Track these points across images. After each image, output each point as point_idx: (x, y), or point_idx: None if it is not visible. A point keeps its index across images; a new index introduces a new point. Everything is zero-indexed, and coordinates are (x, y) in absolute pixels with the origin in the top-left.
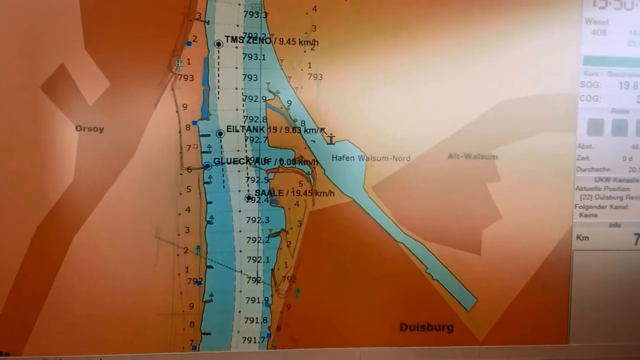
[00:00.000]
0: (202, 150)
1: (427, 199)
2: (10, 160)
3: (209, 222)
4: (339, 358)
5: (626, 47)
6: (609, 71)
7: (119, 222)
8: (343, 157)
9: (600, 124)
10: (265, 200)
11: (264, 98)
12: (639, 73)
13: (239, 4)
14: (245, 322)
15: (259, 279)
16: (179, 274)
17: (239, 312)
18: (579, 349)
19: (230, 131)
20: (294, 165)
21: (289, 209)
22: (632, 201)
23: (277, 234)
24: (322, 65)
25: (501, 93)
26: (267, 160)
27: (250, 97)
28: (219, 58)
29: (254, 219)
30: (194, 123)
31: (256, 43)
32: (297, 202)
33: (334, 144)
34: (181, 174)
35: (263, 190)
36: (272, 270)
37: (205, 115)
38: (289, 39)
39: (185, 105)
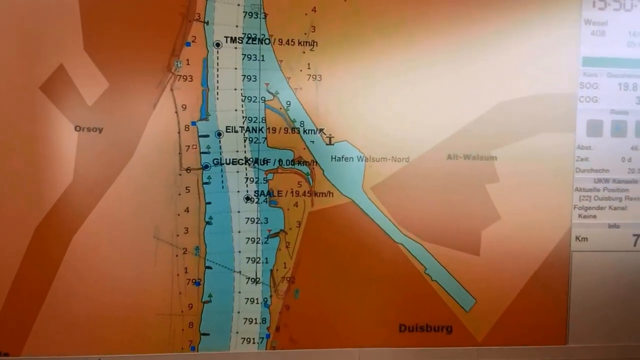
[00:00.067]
0: (201, 150)
1: (426, 200)
2: (9, 160)
3: (207, 223)
4: (338, 359)
5: (625, 48)
6: (608, 72)
7: (117, 222)
8: (342, 157)
9: (600, 125)
10: (264, 201)
11: (263, 99)
12: (638, 74)
13: (239, 5)
14: (244, 323)
15: (257, 279)
16: (178, 275)
17: (238, 312)
18: (578, 350)
19: (229, 132)
20: (293, 166)
21: (288, 209)
22: (631, 202)
23: (276, 234)
24: (321, 66)
25: (500, 93)
26: (266, 161)
27: (250, 98)
28: (218, 59)
29: (253, 219)
30: (193, 123)
31: (255, 44)
32: (296, 202)
33: (333, 144)
34: (180, 175)
35: (262, 191)
36: (271, 270)
37: (205, 115)
38: (288, 40)
39: (184, 106)
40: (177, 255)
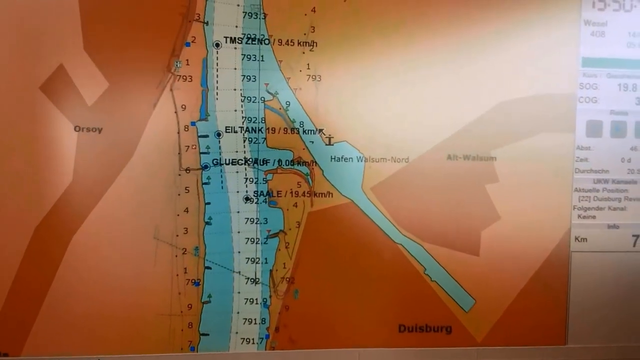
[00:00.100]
0: (201, 151)
1: (426, 200)
2: (9, 160)
3: (207, 223)
4: (337, 359)
5: (625, 49)
6: (608, 73)
7: (117, 222)
8: (342, 158)
9: (599, 125)
10: (263, 201)
11: (263, 99)
12: (638, 75)
13: (238, 5)
14: (244, 323)
15: (257, 280)
16: (177, 275)
17: (238, 313)
18: (577, 350)
19: (229, 132)
20: (292, 166)
21: (288, 210)
22: (631, 203)
23: (276, 235)
24: (321, 66)
25: (500, 93)
26: (265, 161)
27: (249, 98)
28: (217, 59)
29: (252, 220)
30: (193, 124)
31: (255, 44)
32: (296, 203)
33: (333, 145)
34: (180, 175)
35: (261, 191)
36: (271, 271)
37: (204, 116)
38: (287, 40)
39: (184, 106)
40: (176, 256)
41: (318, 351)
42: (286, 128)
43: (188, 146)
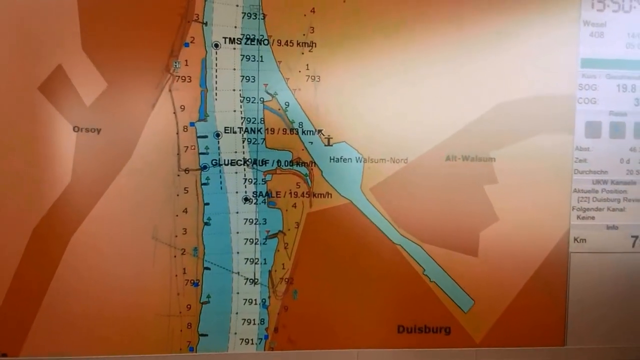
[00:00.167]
0: (200, 151)
1: (425, 201)
2: (7, 160)
3: (206, 224)
4: None
5: (624, 50)
6: (607, 74)
7: (116, 222)
8: (341, 158)
9: (598, 126)
10: (262, 202)
11: (262, 99)
12: (637, 75)
13: (237, 6)
14: (243, 324)
15: (256, 280)
16: (176, 276)
17: (236, 313)
18: (576, 351)
19: (228, 132)
20: (291, 167)
21: (287, 210)
22: (629, 203)
23: (275, 235)
24: (320, 67)
25: (499, 94)
26: (264, 162)
27: (248, 99)
28: (216, 59)
29: (251, 220)
30: (192, 124)
31: (254, 44)
32: (295, 203)
33: (332, 145)
34: (179, 175)
35: (260, 192)
36: (270, 271)
37: (203, 116)
38: (286, 41)
39: (182, 107)
40: (175, 256)
41: (317, 352)
42: (285, 128)
43: (187, 147)
